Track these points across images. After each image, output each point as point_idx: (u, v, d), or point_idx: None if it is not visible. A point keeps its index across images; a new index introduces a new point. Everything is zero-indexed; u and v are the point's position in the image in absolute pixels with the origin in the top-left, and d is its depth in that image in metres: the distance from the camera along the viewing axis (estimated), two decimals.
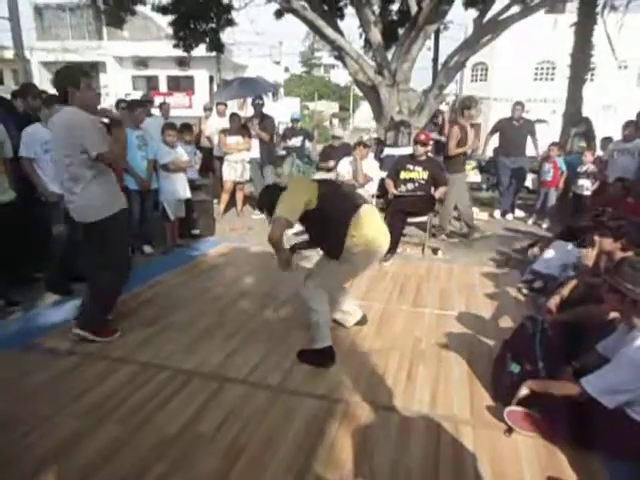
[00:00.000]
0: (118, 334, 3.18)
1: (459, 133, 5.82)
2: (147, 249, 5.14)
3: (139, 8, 9.75)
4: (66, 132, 2.80)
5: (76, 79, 2.80)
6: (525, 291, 4.16)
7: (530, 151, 7.30)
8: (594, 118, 8.38)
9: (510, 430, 2.30)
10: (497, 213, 7.39)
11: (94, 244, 3.08)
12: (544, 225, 6.81)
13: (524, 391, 2.31)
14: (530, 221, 7.07)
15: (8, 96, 4.48)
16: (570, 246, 4.08)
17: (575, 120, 8.55)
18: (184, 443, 2.20)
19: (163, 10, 9.63)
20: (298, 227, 6.19)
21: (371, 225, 2.86)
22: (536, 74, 25.93)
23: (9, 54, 18.36)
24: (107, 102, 19.19)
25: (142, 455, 2.11)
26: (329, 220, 2.83)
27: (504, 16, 7.66)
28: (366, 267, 3.07)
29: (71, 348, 3.04)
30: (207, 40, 10.18)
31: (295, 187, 2.88)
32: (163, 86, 27.09)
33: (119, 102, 6.03)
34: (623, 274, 2.16)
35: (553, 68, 24.83)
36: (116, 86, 25.27)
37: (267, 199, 2.94)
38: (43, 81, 23.53)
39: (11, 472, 2.01)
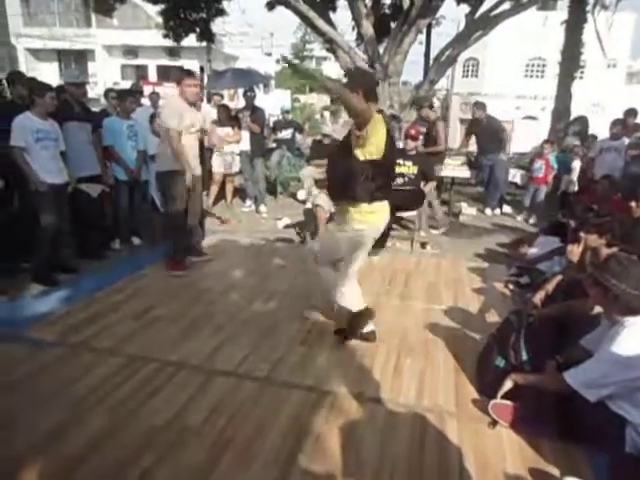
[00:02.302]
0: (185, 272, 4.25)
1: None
2: (136, 241, 5.10)
3: None
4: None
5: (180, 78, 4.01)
6: (511, 286, 4.21)
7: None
8: (585, 115, 8.47)
9: (494, 423, 2.34)
10: (488, 210, 7.42)
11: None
12: (531, 221, 6.88)
13: (508, 384, 2.35)
14: (520, 217, 7.13)
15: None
16: (556, 241, 4.14)
17: (573, 118, 8.63)
18: (172, 434, 2.20)
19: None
20: (287, 220, 6.18)
21: None
22: (527, 71, 26.05)
23: None
24: (95, 91, 18.97)
25: (130, 446, 2.12)
26: None
27: (496, 12, 7.69)
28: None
29: (57, 339, 3.02)
30: (197, 30, 10.08)
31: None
32: (153, 76, 26.78)
33: (108, 91, 5.94)
34: (609, 269, 2.20)
35: (544, 65, 24.96)
36: (105, 75, 24.95)
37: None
38: (29, 67, 23.13)
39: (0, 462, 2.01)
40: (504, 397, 2.36)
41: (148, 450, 2.10)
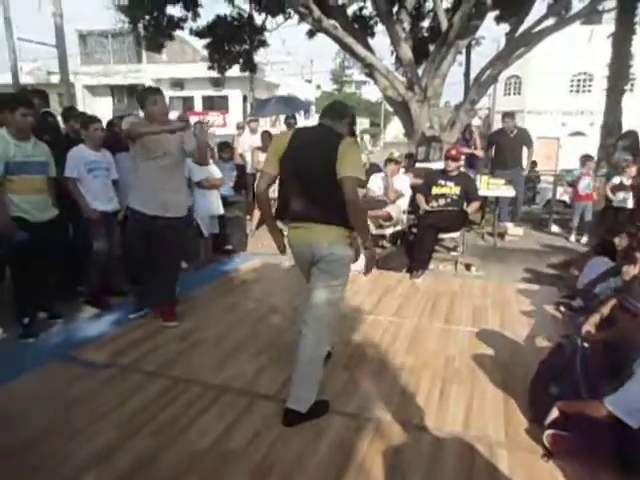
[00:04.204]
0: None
1: None
2: (182, 265, 5.24)
3: (177, 32, 10.16)
4: None
5: (143, 98, 3.47)
6: (563, 309, 4.02)
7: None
8: (635, 129, 8.11)
9: (549, 454, 2.21)
10: (509, 224, 7.07)
11: None
12: (583, 240, 6.59)
13: (555, 412, 2.24)
14: (572, 237, 6.83)
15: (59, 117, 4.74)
16: (607, 262, 3.94)
17: (622, 133, 8.29)
18: (214, 458, 2.21)
19: (200, 34, 10.00)
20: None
21: None
22: (572, 86, 25.41)
23: (55, 79, 19.38)
24: None
25: (174, 468, 2.14)
26: None
27: (538, 29, 7.58)
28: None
29: (108, 361, 3.12)
30: (241, 61, 10.48)
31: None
32: (198, 106, 27.89)
33: None
34: (634, 292, 2.08)
35: (590, 80, 24.27)
36: None
37: None
38: (86, 104, 24.63)
39: None
40: (558, 427, 2.23)
41: (191, 473, 2.11)
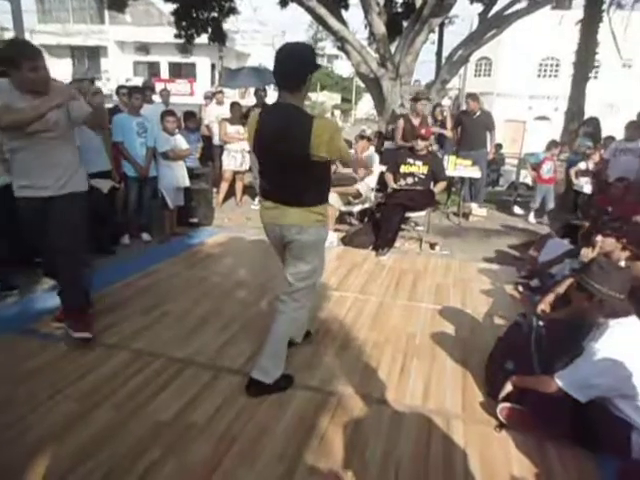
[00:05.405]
0: None
1: (403, 125, 6.27)
2: (145, 237, 5.14)
3: None
4: None
5: (17, 59, 2.55)
6: (521, 289, 4.17)
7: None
8: (597, 116, 8.35)
9: (501, 426, 2.32)
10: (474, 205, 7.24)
11: None
12: (544, 221, 6.82)
13: (508, 387, 2.35)
14: (531, 218, 7.03)
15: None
16: (566, 244, 4.10)
17: (584, 120, 8.50)
18: (178, 430, 2.22)
19: None
20: None
21: None
22: (540, 70, 25.83)
23: (9, 36, 18.20)
24: (107, 87, 19.12)
25: (137, 440, 2.13)
26: None
27: (510, 11, 7.62)
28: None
29: (67, 333, 3.04)
30: (209, 30, 10.11)
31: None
32: (165, 72, 26.92)
33: (119, 88, 6.00)
34: (592, 274, 2.18)
35: (557, 65, 24.74)
36: (117, 71, 25.11)
37: None
38: None
39: (8, 454, 2.03)
40: (512, 401, 2.34)
41: (154, 445, 2.11)
